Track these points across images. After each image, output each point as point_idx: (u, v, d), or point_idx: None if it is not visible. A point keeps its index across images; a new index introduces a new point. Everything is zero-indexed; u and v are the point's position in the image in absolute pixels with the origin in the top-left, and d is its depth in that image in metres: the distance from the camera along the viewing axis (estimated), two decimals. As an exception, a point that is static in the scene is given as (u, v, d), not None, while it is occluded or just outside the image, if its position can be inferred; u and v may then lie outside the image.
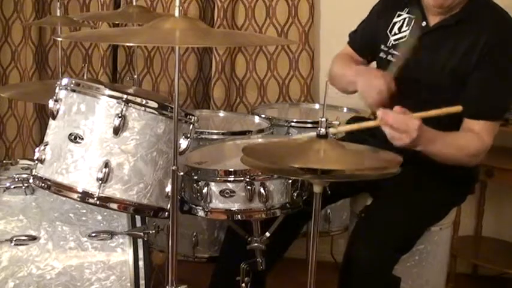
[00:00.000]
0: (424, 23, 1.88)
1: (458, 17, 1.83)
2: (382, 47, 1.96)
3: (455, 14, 1.83)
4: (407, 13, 1.93)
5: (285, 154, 1.52)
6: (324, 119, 1.49)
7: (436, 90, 1.84)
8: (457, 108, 1.65)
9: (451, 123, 1.78)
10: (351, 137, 1.89)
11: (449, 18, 1.84)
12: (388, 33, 1.95)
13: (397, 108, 1.64)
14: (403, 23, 1.93)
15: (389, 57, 1.95)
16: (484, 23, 1.80)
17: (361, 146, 1.62)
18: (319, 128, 1.49)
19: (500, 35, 1.79)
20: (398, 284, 1.79)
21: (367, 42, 2.07)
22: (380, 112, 1.65)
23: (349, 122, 2.13)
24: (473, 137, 1.78)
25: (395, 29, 1.94)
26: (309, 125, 2.37)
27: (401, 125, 1.61)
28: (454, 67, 1.82)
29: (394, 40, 1.94)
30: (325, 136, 1.49)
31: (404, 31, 1.92)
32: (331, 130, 1.50)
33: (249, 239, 1.79)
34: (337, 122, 1.97)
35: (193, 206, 1.74)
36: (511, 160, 2.44)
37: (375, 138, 1.77)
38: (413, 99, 1.86)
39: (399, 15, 1.95)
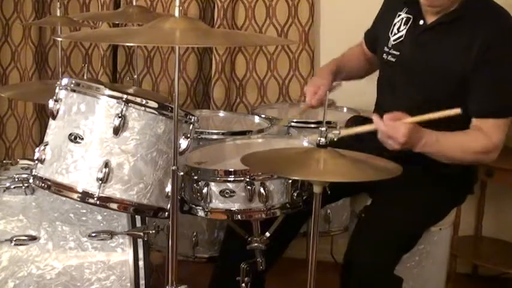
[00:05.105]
0: (421, 22, 1.88)
1: (455, 15, 1.82)
2: (385, 48, 1.97)
3: (453, 11, 1.83)
4: (405, 13, 1.93)
5: (285, 164, 1.51)
6: (323, 129, 1.48)
7: (432, 90, 1.84)
8: (456, 111, 1.66)
9: (456, 123, 1.77)
10: (350, 141, 1.87)
11: (446, 16, 1.83)
12: (389, 35, 1.96)
13: (387, 115, 1.71)
14: (401, 23, 1.94)
15: (389, 57, 1.95)
16: (482, 20, 1.79)
17: (361, 154, 1.59)
18: (318, 138, 1.49)
19: (498, 32, 1.77)
20: (400, 284, 1.79)
21: (376, 39, 2.08)
22: (374, 117, 1.73)
23: (349, 122, 2.14)
24: (479, 135, 1.77)
25: (395, 29, 1.95)
26: (309, 125, 2.37)
27: (390, 130, 1.69)
28: (452, 67, 1.81)
29: (394, 40, 1.94)
30: (324, 146, 1.49)
31: (402, 30, 1.92)
32: (331, 135, 1.52)
33: (249, 239, 1.79)
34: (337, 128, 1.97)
35: (193, 206, 1.74)
36: (511, 160, 2.44)
37: (372, 142, 1.76)
38: (410, 100, 1.86)
39: (399, 16, 1.95)
